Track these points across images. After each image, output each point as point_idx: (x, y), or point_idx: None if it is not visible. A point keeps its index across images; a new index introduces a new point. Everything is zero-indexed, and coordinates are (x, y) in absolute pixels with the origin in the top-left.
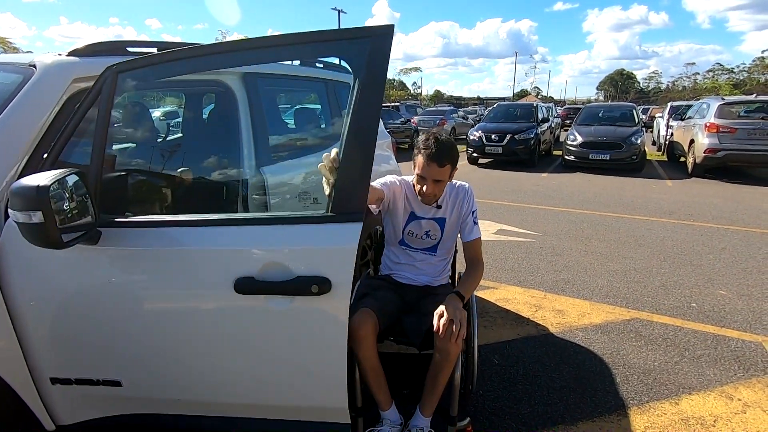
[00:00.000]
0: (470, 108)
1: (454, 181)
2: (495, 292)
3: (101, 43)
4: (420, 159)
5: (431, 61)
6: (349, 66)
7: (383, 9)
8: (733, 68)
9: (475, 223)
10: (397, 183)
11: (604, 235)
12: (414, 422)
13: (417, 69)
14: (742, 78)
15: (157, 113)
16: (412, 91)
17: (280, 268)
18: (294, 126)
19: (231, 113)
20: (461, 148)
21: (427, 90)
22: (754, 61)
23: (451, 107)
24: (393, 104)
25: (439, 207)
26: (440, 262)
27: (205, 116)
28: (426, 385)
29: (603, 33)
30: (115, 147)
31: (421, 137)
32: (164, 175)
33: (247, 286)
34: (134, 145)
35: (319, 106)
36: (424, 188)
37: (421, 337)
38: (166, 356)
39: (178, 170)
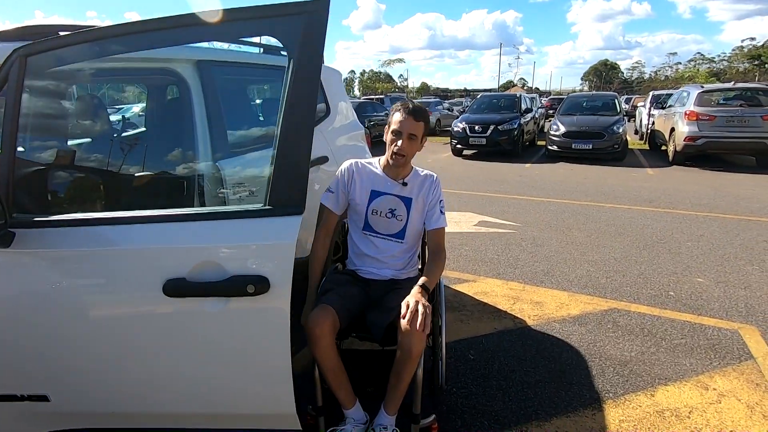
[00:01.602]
0: (456, 100)
1: (422, 169)
2: (473, 285)
3: (30, 26)
4: (396, 115)
5: (417, 53)
6: (283, 45)
7: (369, 1)
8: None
9: (442, 212)
10: (345, 170)
11: (585, 224)
12: (378, 420)
13: (401, 60)
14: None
15: (136, 108)
16: (398, 84)
17: (214, 268)
18: (261, 118)
19: (184, 104)
20: (445, 139)
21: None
22: (733, 50)
23: (436, 99)
24: (378, 96)
25: (404, 184)
26: (406, 253)
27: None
28: (390, 382)
29: (587, 24)
30: (69, 142)
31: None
32: (99, 170)
33: (176, 288)
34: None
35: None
36: (399, 143)
37: (383, 332)
38: (96, 367)
39: (120, 166)
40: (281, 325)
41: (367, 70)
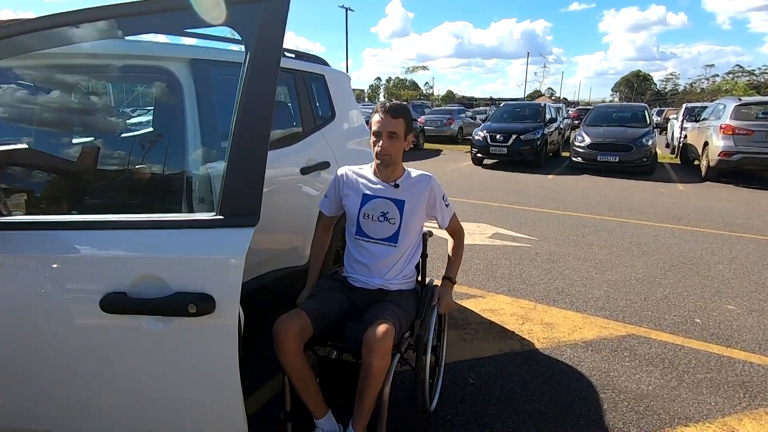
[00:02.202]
0: (481, 108)
1: (416, 170)
2: (481, 301)
3: None
4: (375, 116)
5: (444, 61)
6: (240, 36)
7: (397, 9)
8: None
9: (447, 205)
10: (338, 175)
11: (607, 241)
12: None
13: (424, 68)
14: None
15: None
16: (424, 91)
17: (156, 283)
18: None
19: (175, 104)
20: (467, 148)
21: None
22: None
23: (460, 107)
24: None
25: (396, 186)
26: (399, 261)
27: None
28: (356, 398)
29: (619, 34)
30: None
31: None
32: (64, 170)
33: (115, 303)
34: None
35: (286, 101)
36: (380, 144)
37: (359, 344)
38: (29, 389)
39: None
40: (228, 347)
41: (393, 78)
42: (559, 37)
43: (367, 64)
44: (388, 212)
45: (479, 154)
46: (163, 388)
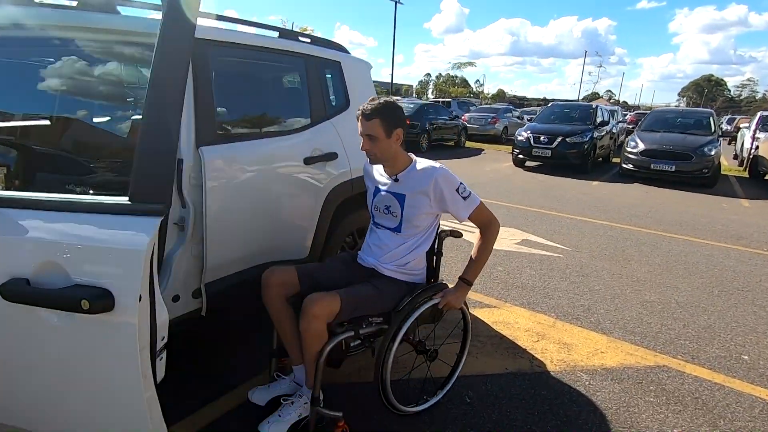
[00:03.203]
0: (531, 109)
1: (423, 160)
2: (494, 312)
3: None
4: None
5: (498, 59)
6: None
7: (452, 4)
8: None
9: (465, 197)
10: (365, 169)
11: (649, 257)
12: (304, 389)
13: (471, 64)
14: None
15: None
16: (474, 89)
17: (57, 272)
18: (264, 106)
19: None
20: (509, 148)
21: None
22: None
23: (507, 106)
24: (445, 100)
25: (396, 180)
26: (399, 248)
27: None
28: None
29: (692, 35)
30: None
31: None
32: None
33: (15, 291)
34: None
35: (296, 86)
36: (362, 146)
37: None
38: None
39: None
40: (129, 350)
41: (443, 74)
42: (624, 36)
43: (418, 59)
44: (390, 206)
45: (521, 156)
46: (63, 388)
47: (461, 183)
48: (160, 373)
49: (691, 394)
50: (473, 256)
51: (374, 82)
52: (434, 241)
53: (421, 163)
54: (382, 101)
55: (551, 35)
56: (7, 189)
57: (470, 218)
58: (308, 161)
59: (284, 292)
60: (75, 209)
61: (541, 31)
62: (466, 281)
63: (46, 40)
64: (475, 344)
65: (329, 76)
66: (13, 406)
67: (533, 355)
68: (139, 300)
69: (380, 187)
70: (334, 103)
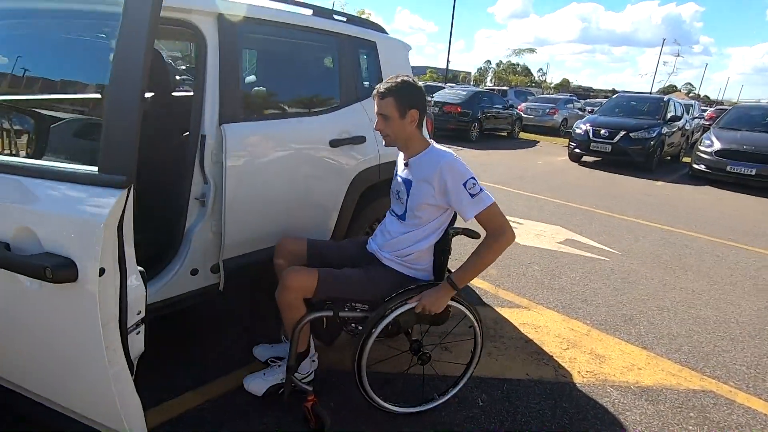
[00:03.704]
0: (597, 100)
1: (438, 147)
2: (523, 313)
3: None
4: None
5: (564, 46)
6: None
7: None
8: None
9: (473, 194)
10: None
11: (711, 269)
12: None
13: (532, 50)
14: None
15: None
16: (536, 78)
17: (32, 239)
18: (292, 85)
19: (198, 61)
20: (564, 142)
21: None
22: None
23: (569, 96)
24: (501, 88)
25: (406, 165)
26: (401, 238)
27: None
28: None
29: None
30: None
31: None
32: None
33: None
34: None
35: (326, 66)
36: (375, 125)
37: None
38: None
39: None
40: (91, 324)
41: (503, 61)
42: (712, 24)
43: (478, 46)
44: (400, 191)
45: (577, 150)
46: (37, 352)
47: (471, 177)
48: (137, 348)
49: (740, 427)
50: (469, 260)
51: (430, 68)
52: (443, 237)
53: (435, 150)
54: (399, 80)
55: (626, 22)
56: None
57: (478, 220)
58: (334, 144)
59: (292, 261)
60: (48, 177)
61: (616, 17)
62: (452, 283)
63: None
64: (497, 345)
65: (364, 56)
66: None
67: (560, 364)
68: (102, 273)
69: (397, 171)
70: (366, 85)
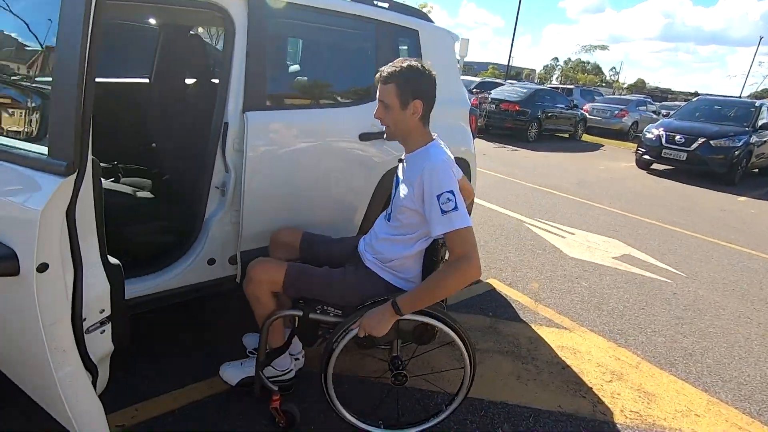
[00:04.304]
0: (675, 103)
1: (440, 148)
2: (564, 334)
3: None
4: None
5: (642, 44)
6: None
7: None
8: None
9: (444, 211)
10: None
11: None
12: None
13: (604, 47)
14: None
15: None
16: (607, 77)
17: None
18: (323, 73)
19: (225, 45)
20: (632, 147)
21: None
22: None
23: (642, 98)
24: (567, 87)
25: (400, 161)
26: (386, 240)
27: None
28: None
29: None
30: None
31: None
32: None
33: None
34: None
35: (362, 55)
36: (375, 112)
37: None
38: None
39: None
40: (31, 320)
41: (572, 58)
42: None
43: (546, 42)
44: (393, 188)
45: (646, 156)
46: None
47: (450, 191)
48: (102, 348)
49: None
50: (423, 283)
51: (493, 64)
52: (432, 246)
53: (431, 149)
54: (405, 64)
55: (717, 18)
56: None
57: (446, 241)
58: (364, 137)
59: (285, 253)
60: (2, 157)
61: (705, 13)
62: (395, 306)
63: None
64: (528, 367)
65: (404, 45)
66: None
67: (600, 398)
68: (43, 268)
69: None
70: None
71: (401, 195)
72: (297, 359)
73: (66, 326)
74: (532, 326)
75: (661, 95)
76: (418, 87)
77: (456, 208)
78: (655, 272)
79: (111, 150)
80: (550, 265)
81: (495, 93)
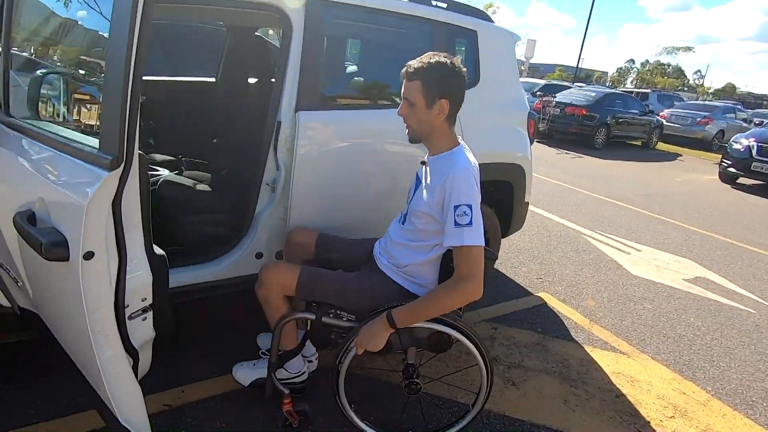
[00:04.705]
0: None
1: (465, 153)
2: (621, 359)
3: None
4: None
5: (734, 44)
6: None
7: None
8: None
9: (459, 224)
10: None
11: None
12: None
13: (688, 49)
14: None
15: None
16: (691, 81)
17: (46, 211)
18: (376, 74)
19: (282, 45)
20: (716, 158)
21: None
22: None
23: (732, 104)
24: (642, 91)
25: (423, 163)
26: (400, 244)
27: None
28: None
29: None
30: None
31: None
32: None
33: (17, 222)
34: None
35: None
36: (399, 109)
37: None
38: None
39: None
40: (76, 303)
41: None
42: None
43: (621, 42)
44: (411, 189)
45: (732, 169)
46: (63, 315)
47: (468, 205)
48: (143, 335)
49: None
50: (422, 297)
51: (560, 66)
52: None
53: (457, 153)
54: (433, 60)
55: None
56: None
57: (454, 255)
58: (414, 140)
59: (300, 253)
60: (64, 149)
61: None
62: (390, 319)
63: None
64: (578, 392)
65: (461, 46)
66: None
67: None
68: (89, 257)
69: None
70: None
71: (420, 200)
72: (310, 361)
73: (109, 312)
74: (585, 347)
75: (755, 102)
76: (446, 85)
77: (470, 223)
78: (735, 299)
79: (177, 143)
80: (609, 283)
81: (560, 96)
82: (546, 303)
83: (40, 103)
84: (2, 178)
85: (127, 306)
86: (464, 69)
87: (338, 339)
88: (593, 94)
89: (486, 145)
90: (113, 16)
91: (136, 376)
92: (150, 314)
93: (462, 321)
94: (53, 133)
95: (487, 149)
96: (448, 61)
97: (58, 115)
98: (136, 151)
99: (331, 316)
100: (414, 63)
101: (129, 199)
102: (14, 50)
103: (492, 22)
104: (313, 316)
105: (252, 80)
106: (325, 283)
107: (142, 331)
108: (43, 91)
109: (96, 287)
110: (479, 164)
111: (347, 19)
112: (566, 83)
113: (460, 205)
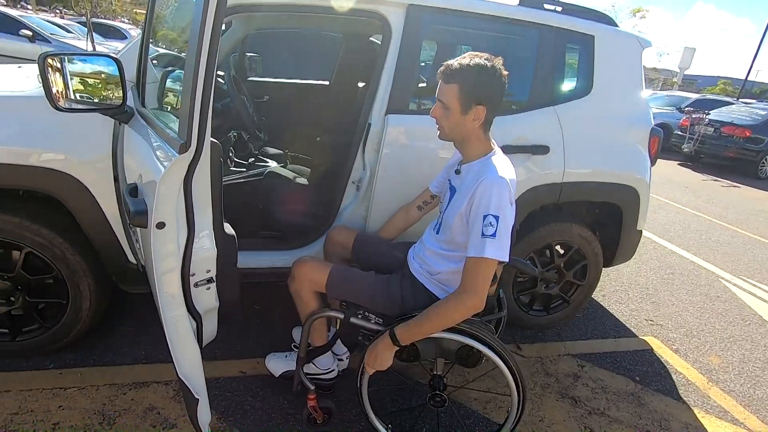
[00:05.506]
0: None
1: (501, 161)
2: (727, 429)
3: None
4: None
5: None
6: None
7: None
8: None
9: (483, 234)
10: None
11: None
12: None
13: None
14: None
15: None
16: None
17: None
18: None
19: (380, 50)
20: None
21: None
22: None
23: None
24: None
25: (457, 172)
26: (433, 251)
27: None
28: None
29: None
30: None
31: None
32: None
33: (125, 197)
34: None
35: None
36: (432, 111)
37: None
38: None
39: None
40: (150, 264)
41: None
42: None
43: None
44: (445, 197)
45: None
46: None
47: (496, 216)
48: (204, 303)
49: None
50: (421, 312)
51: (724, 78)
52: None
53: (491, 160)
54: (472, 62)
55: None
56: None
57: (465, 262)
58: (506, 150)
59: (339, 252)
60: (161, 134)
61: None
62: (393, 337)
63: None
64: None
65: (575, 52)
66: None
67: None
68: (161, 226)
69: (450, 174)
70: (572, 86)
71: (454, 207)
72: (341, 360)
73: (176, 276)
74: (695, 411)
75: None
76: (484, 91)
77: (494, 235)
78: None
79: (287, 139)
80: (745, 339)
81: (716, 113)
82: (653, 350)
83: (164, 96)
84: (130, 156)
85: (193, 275)
86: (506, 72)
87: (365, 341)
88: (763, 113)
89: (591, 161)
90: (194, 15)
91: (200, 341)
92: (213, 285)
93: (493, 336)
94: (161, 120)
95: (592, 166)
96: (489, 64)
97: (173, 106)
98: (208, 139)
99: (360, 317)
100: (453, 64)
101: (199, 181)
102: (162, 49)
103: (615, 25)
104: (341, 315)
105: (360, 84)
106: (355, 284)
107: (206, 299)
108: (168, 84)
109: (166, 253)
110: (575, 183)
111: (449, 25)
112: (727, 99)
113: (489, 214)
